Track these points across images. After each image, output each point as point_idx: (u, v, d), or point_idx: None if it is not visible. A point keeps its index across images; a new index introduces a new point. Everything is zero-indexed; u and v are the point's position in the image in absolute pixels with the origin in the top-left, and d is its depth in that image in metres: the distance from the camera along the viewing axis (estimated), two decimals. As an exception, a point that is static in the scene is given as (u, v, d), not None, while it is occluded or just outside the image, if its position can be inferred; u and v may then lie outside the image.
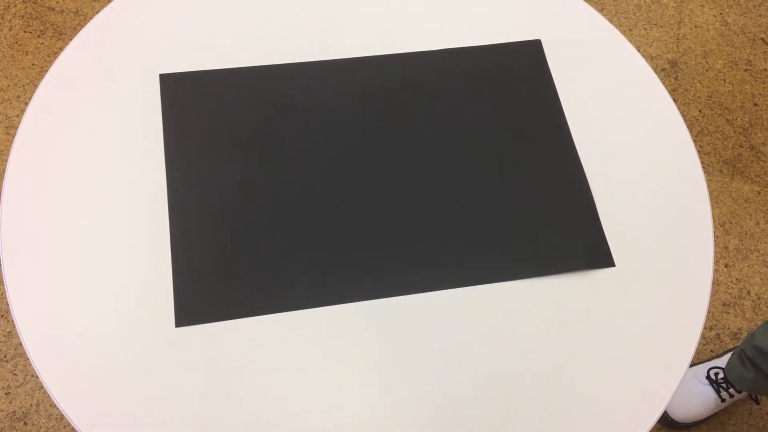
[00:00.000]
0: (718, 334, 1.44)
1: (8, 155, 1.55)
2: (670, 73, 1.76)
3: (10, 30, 1.69)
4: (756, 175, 1.64)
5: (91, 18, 1.72)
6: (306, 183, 0.75)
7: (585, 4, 0.92)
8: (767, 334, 1.11)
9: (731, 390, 1.27)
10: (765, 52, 1.80)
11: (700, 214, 0.79)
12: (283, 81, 0.81)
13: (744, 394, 1.30)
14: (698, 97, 1.73)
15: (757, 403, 1.31)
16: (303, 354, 0.68)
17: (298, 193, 0.75)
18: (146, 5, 0.86)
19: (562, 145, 0.81)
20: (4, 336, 1.35)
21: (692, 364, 1.37)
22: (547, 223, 0.76)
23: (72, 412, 0.64)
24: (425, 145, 0.79)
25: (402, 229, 0.74)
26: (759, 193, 1.61)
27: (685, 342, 0.72)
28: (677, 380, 0.70)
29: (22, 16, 1.71)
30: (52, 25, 1.70)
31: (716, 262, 1.52)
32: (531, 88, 0.84)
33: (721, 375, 1.29)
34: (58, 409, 0.87)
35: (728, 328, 1.44)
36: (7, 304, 1.36)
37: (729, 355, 1.33)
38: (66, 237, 0.71)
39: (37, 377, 0.66)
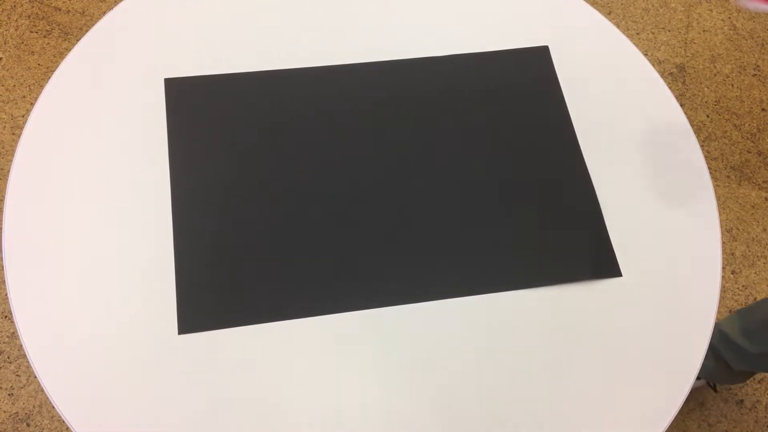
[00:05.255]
0: (724, 341, 1.43)
1: (13, 156, 1.55)
2: (678, 77, 1.75)
3: (16, 30, 1.69)
4: (763, 181, 1.62)
5: (98, 18, 1.72)
6: (310, 190, 0.75)
7: (592, 8, 0.91)
8: (732, 322, 1.13)
9: None
10: (773, 57, 1.79)
11: (708, 221, 0.78)
12: (288, 86, 0.81)
13: (702, 381, 1.33)
14: (706, 102, 1.72)
15: (715, 390, 1.35)
16: (305, 361, 0.67)
17: (302, 201, 0.74)
18: (151, 9, 0.85)
19: (569, 151, 0.80)
20: (8, 337, 1.35)
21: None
22: (554, 232, 0.75)
23: (71, 417, 0.64)
24: (430, 152, 0.78)
25: (406, 237, 0.73)
26: (766, 199, 1.60)
27: (691, 354, 0.71)
28: (685, 391, 0.69)
29: (29, 17, 1.71)
30: (59, 25, 1.70)
31: (723, 268, 1.51)
32: (538, 94, 0.83)
33: None
34: (60, 411, 0.87)
35: (734, 335, 1.43)
36: (10, 305, 1.36)
37: None
38: (69, 240, 0.71)
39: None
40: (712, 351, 1.19)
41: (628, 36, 1.80)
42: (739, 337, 1.10)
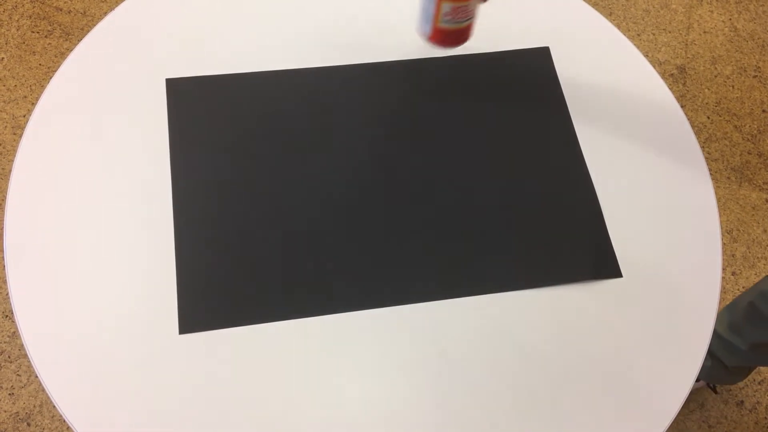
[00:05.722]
0: (724, 342, 1.43)
1: (14, 156, 1.55)
2: (679, 78, 1.75)
3: (17, 30, 1.69)
4: (764, 183, 1.63)
5: (99, 19, 1.72)
6: (311, 191, 0.75)
7: (593, 9, 0.91)
8: (721, 318, 1.13)
9: None
10: (774, 58, 1.79)
11: (709, 223, 0.78)
12: (290, 86, 0.81)
13: (701, 383, 1.33)
14: (706, 104, 1.72)
15: (715, 391, 1.35)
16: (306, 362, 0.67)
17: (303, 201, 0.74)
18: (153, 10, 0.86)
19: (570, 151, 0.80)
20: (9, 337, 1.35)
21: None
22: (554, 233, 0.75)
23: (72, 416, 0.64)
24: (431, 153, 0.78)
25: (406, 237, 0.73)
26: (767, 200, 1.60)
27: (691, 355, 0.71)
28: (685, 392, 0.69)
29: (30, 17, 1.71)
30: (60, 25, 1.71)
31: (723, 269, 1.51)
32: (539, 94, 0.83)
33: None
34: (61, 410, 0.87)
35: (735, 337, 1.43)
36: (11, 304, 1.36)
37: None
38: (71, 239, 0.71)
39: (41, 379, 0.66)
40: (708, 350, 1.19)
41: (628, 37, 1.80)
42: (728, 333, 1.11)
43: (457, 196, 0.76)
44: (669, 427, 0.69)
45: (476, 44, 0.86)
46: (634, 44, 1.79)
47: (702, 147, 1.66)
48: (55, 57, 1.66)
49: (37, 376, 1.31)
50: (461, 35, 0.73)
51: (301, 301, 0.69)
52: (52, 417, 1.29)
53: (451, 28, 0.71)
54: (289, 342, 0.68)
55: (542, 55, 0.86)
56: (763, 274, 1.51)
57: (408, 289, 0.71)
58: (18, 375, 1.31)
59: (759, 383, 1.41)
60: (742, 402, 1.39)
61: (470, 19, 0.71)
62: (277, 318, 0.69)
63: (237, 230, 0.72)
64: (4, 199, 1.48)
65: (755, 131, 1.69)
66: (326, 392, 0.66)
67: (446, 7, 0.68)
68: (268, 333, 0.68)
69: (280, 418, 0.65)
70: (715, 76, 1.76)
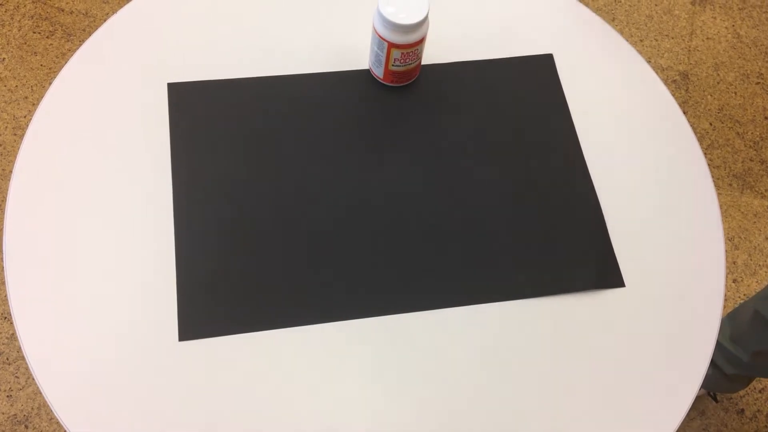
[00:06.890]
0: (725, 349, 1.43)
1: (15, 156, 1.55)
2: (681, 84, 1.75)
3: (19, 30, 1.69)
4: (766, 190, 1.62)
5: (101, 20, 1.72)
6: (314, 197, 0.75)
7: (596, 15, 0.91)
8: (724, 328, 1.13)
9: None
10: (777, 65, 1.79)
11: (712, 230, 0.77)
12: (292, 91, 0.81)
13: (702, 391, 1.34)
14: (709, 110, 1.72)
15: (715, 400, 1.35)
16: (307, 370, 0.67)
17: (306, 208, 0.74)
18: (155, 14, 0.85)
19: (573, 160, 0.80)
20: (7, 338, 1.35)
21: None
22: (556, 241, 0.75)
23: (69, 421, 0.63)
24: (434, 160, 0.78)
25: (409, 245, 0.73)
26: (769, 207, 1.60)
27: (694, 364, 0.70)
28: (688, 402, 0.68)
29: (32, 17, 1.71)
30: (62, 26, 1.70)
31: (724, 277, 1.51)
32: (542, 102, 0.83)
33: None
34: (59, 413, 0.87)
35: (736, 344, 1.43)
36: (9, 306, 1.36)
37: None
38: (70, 242, 0.70)
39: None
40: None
41: (631, 43, 1.80)
42: (729, 343, 1.10)
43: (458, 204, 0.75)
44: (670, 437, 0.69)
45: (479, 51, 0.86)
46: (637, 50, 1.79)
47: (704, 154, 1.66)
48: (57, 58, 1.66)
49: (35, 379, 1.31)
50: (411, 73, 0.80)
51: (302, 309, 0.69)
52: (50, 420, 1.28)
53: (401, 70, 0.79)
54: (290, 350, 0.67)
55: (546, 62, 0.86)
56: (765, 282, 1.51)
57: (409, 297, 0.70)
58: (16, 377, 1.31)
59: (759, 391, 1.41)
60: (742, 410, 1.39)
61: (418, 59, 0.78)
62: (278, 326, 0.68)
63: (238, 236, 0.72)
64: (4, 200, 1.48)
65: (758, 138, 1.69)
66: (327, 400, 0.66)
67: (396, 53, 0.75)
68: (269, 341, 0.68)
69: (281, 427, 0.64)
70: (718, 83, 1.76)
